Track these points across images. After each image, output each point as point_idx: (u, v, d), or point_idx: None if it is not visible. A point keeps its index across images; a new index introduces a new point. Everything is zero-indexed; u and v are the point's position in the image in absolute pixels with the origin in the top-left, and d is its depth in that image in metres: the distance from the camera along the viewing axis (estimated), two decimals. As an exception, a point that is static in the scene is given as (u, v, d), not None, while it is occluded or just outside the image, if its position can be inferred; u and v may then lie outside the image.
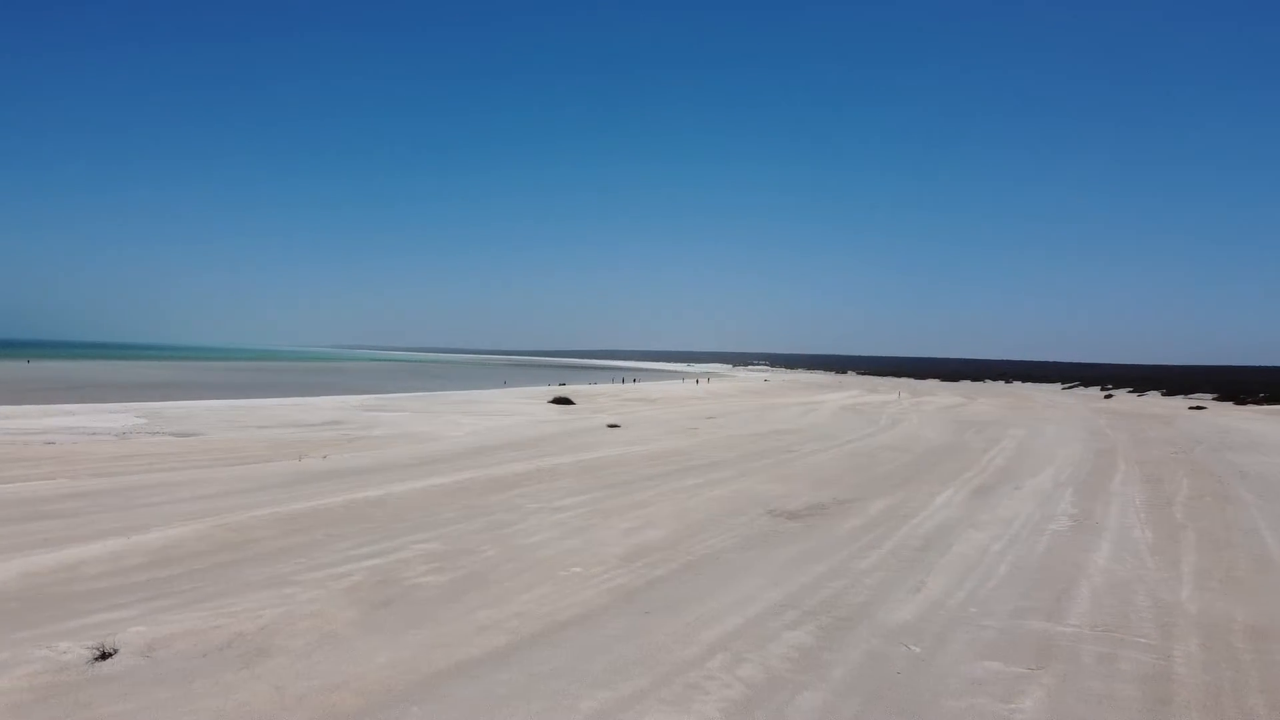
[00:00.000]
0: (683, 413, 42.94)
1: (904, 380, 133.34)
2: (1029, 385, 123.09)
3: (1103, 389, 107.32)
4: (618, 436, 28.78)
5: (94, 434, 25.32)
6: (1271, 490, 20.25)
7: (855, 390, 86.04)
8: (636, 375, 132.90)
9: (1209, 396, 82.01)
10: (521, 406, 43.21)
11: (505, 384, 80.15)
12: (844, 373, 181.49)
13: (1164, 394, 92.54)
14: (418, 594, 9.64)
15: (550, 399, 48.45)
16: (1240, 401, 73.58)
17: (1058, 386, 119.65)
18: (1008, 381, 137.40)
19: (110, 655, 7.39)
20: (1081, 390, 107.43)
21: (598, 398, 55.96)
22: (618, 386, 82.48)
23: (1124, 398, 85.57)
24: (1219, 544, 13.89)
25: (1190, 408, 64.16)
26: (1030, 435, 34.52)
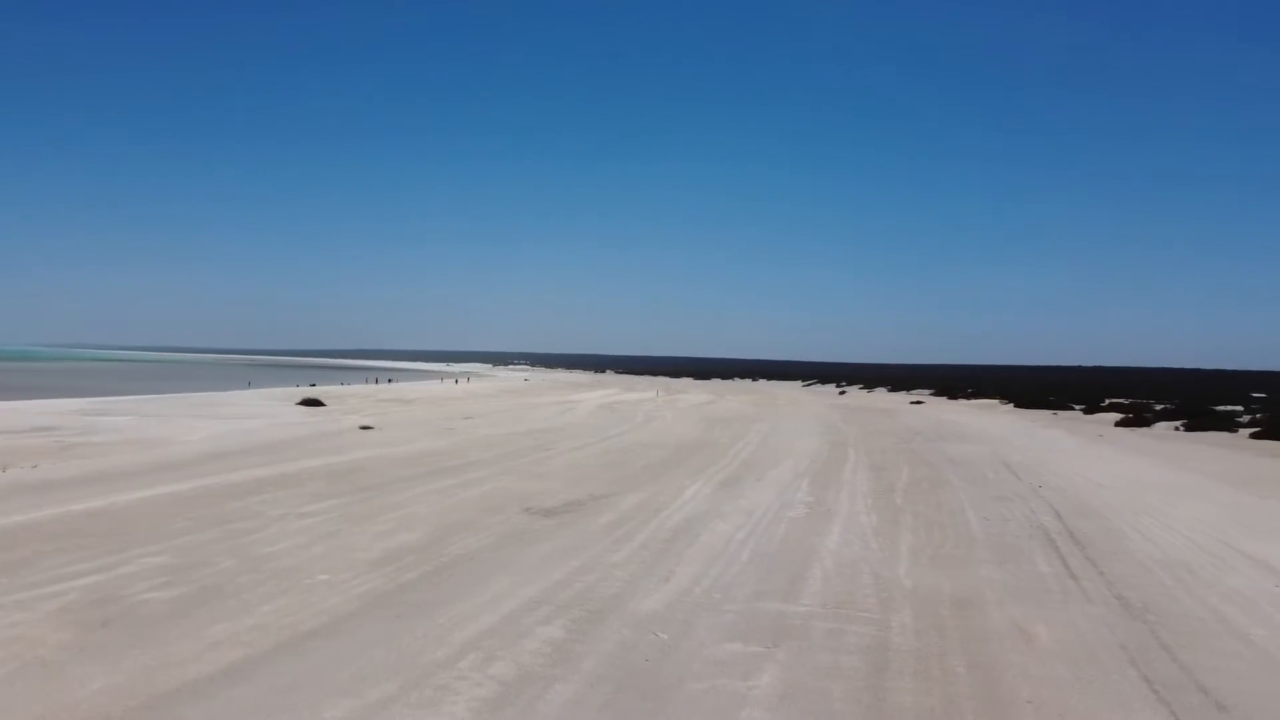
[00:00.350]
0: (440, 413, 42.22)
1: (659, 379, 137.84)
2: (774, 383, 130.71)
3: (838, 386, 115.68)
4: (371, 438, 27.88)
5: None
6: (975, 475, 22.63)
7: (613, 389, 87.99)
8: (393, 376, 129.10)
9: (927, 392, 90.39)
10: (266, 408, 40.87)
11: (250, 385, 75.44)
12: (602, 372, 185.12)
13: (890, 390, 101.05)
14: (142, 611, 8.91)
15: (298, 400, 46.12)
16: (953, 397, 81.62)
17: (799, 384, 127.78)
18: (755, 380, 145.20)
19: None
20: (820, 387, 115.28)
21: (350, 399, 53.91)
22: (372, 387, 79.80)
23: (856, 394, 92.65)
24: (931, 525, 15.35)
25: (911, 403, 70.49)
26: (772, 430, 36.67)
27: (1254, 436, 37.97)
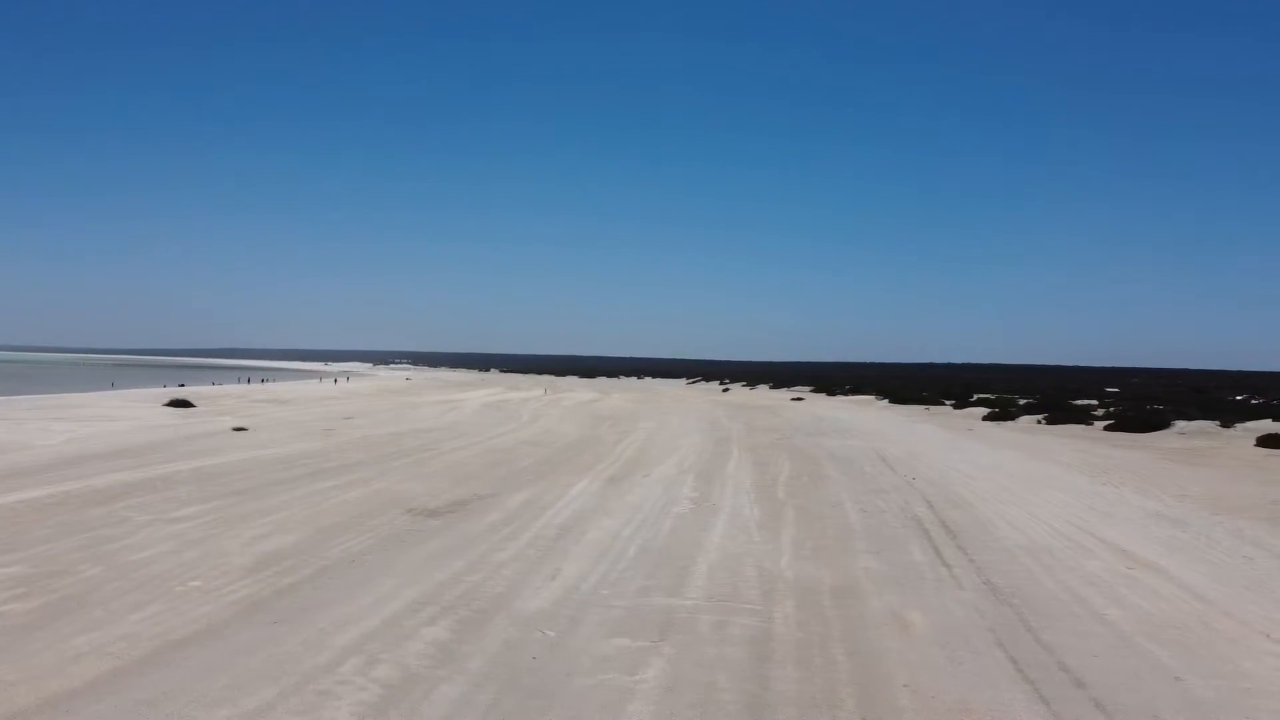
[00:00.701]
0: (318, 413, 41.04)
1: (545, 378, 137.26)
2: (659, 380, 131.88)
3: (721, 383, 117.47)
4: (245, 440, 26.88)
5: None
6: (852, 468, 23.33)
7: (498, 388, 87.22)
8: (267, 376, 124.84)
9: (807, 389, 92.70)
10: (131, 410, 38.93)
11: (113, 386, 71.75)
12: (487, 371, 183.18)
13: (772, 387, 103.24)
14: (-4, 625, 8.38)
15: (166, 401, 44.11)
16: (831, 393, 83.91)
17: (683, 381, 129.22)
18: (640, 378, 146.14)
19: None
20: (704, 385, 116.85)
21: (222, 399, 51.86)
22: (245, 387, 76.97)
23: (739, 391, 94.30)
24: (812, 517, 15.75)
25: (792, 399, 72.14)
26: (658, 427, 36.99)
27: (1107, 429, 40.31)
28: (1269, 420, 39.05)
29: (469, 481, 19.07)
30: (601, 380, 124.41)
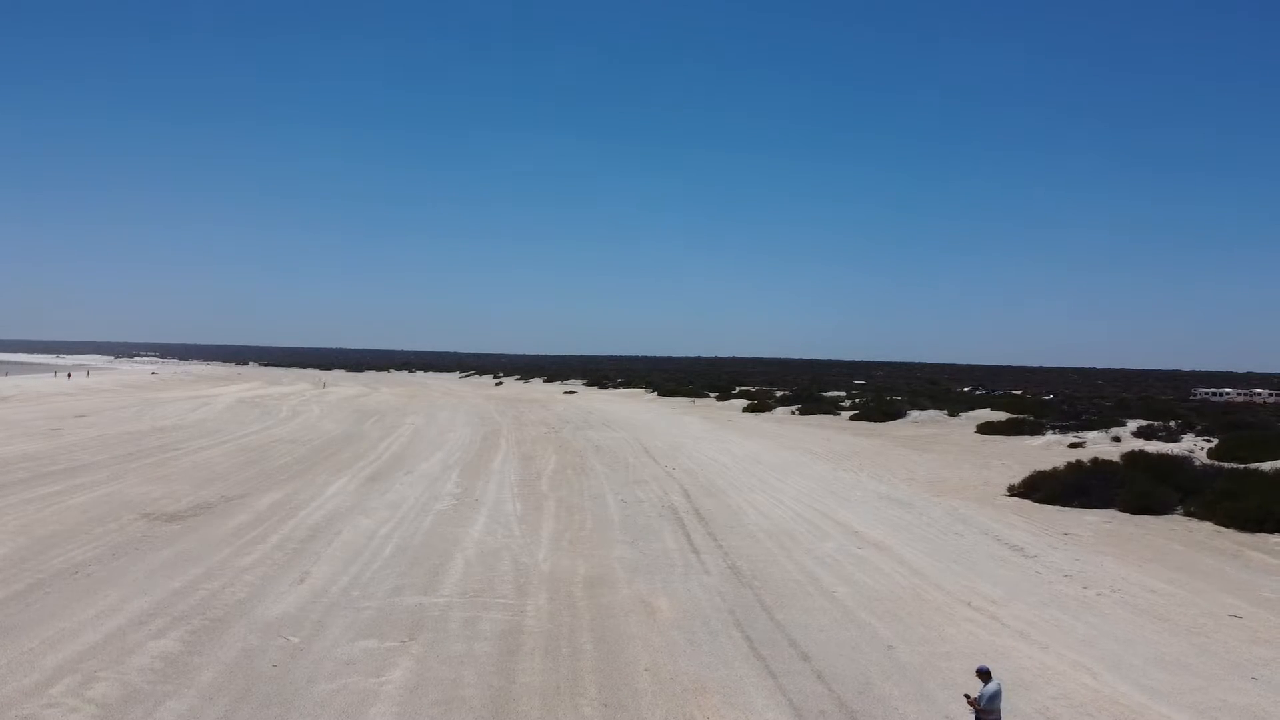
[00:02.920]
0: (43, 411, 37.30)
1: (310, 371, 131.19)
2: (430, 375, 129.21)
3: (495, 377, 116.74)
4: (-47, 442, 24.06)
5: None
6: (617, 460, 23.90)
7: (256, 382, 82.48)
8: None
9: (580, 382, 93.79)
10: None
11: None
12: (245, 364, 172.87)
13: (545, 380, 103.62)
14: None
15: None
16: (603, 386, 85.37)
17: (456, 375, 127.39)
18: (411, 371, 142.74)
19: None
20: (477, 378, 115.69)
21: (-72, 396, 46.10)
22: (-42, 383, 68.63)
23: (512, 384, 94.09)
24: (573, 509, 16.02)
25: (564, 393, 72.79)
26: (426, 422, 36.32)
27: (852, 419, 43.46)
28: (988, 410, 43.39)
29: (215, 482, 17.99)
30: (370, 374, 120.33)
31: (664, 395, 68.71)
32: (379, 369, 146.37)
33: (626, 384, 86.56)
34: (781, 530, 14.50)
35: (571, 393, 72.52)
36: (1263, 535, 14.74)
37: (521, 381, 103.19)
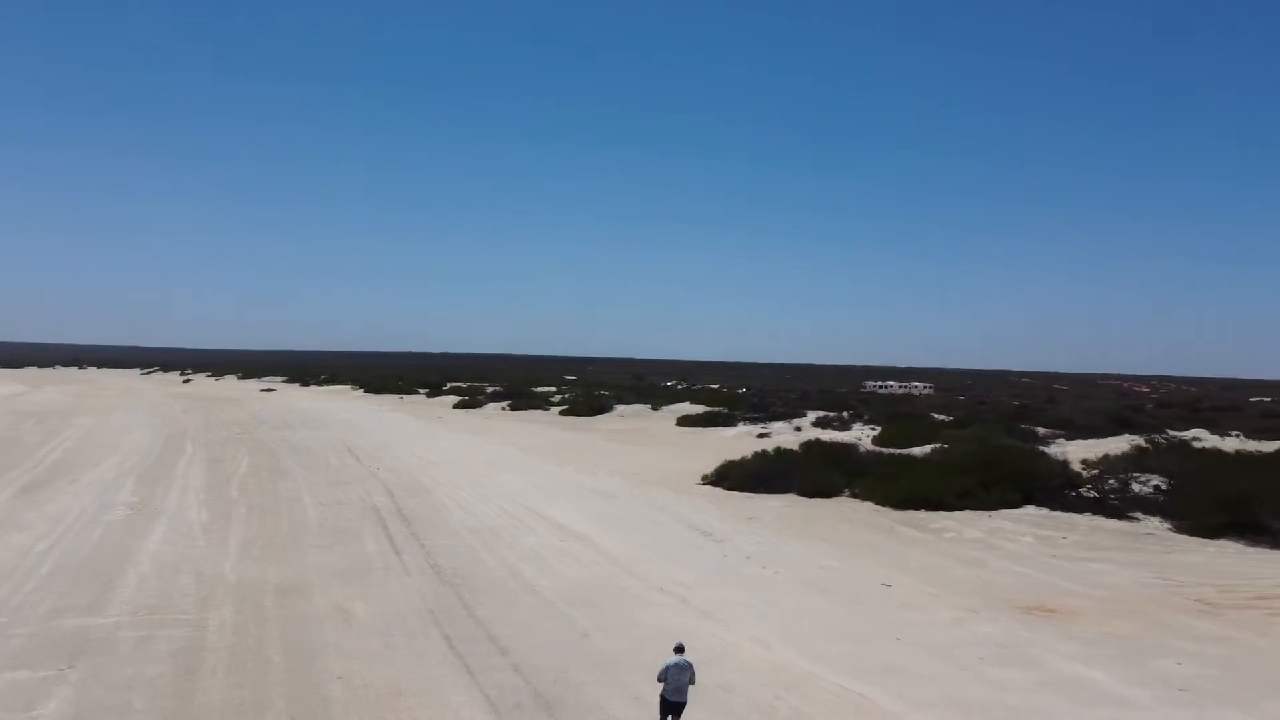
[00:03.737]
0: None
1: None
2: (106, 371, 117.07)
3: (182, 374, 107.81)
4: None
5: None
6: (317, 461, 22.88)
7: (-118, 381, 70.79)
8: None
9: (280, 379, 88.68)
10: None
11: None
12: None
13: (241, 377, 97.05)
14: None
15: None
16: (305, 383, 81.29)
17: (137, 372, 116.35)
18: (82, 367, 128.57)
19: None
20: (161, 375, 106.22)
21: None
22: None
23: (203, 381, 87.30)
24: (266, 514, 15.16)
25: (262, 390, 68.56)
26: (98, 424, 32.89)
27: (563, 414, 44.36)
28: (687, 404, 45.86)
29: None
30: (32, 371, 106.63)
31: (371, 392, 66.62)
32: (42, 365, 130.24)
33: (332, 381, 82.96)
34: (486, 527, 14.54)
35: (270, 390, 68.45)
36: (912, 512, 16.72)
37: (214, 379, 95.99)
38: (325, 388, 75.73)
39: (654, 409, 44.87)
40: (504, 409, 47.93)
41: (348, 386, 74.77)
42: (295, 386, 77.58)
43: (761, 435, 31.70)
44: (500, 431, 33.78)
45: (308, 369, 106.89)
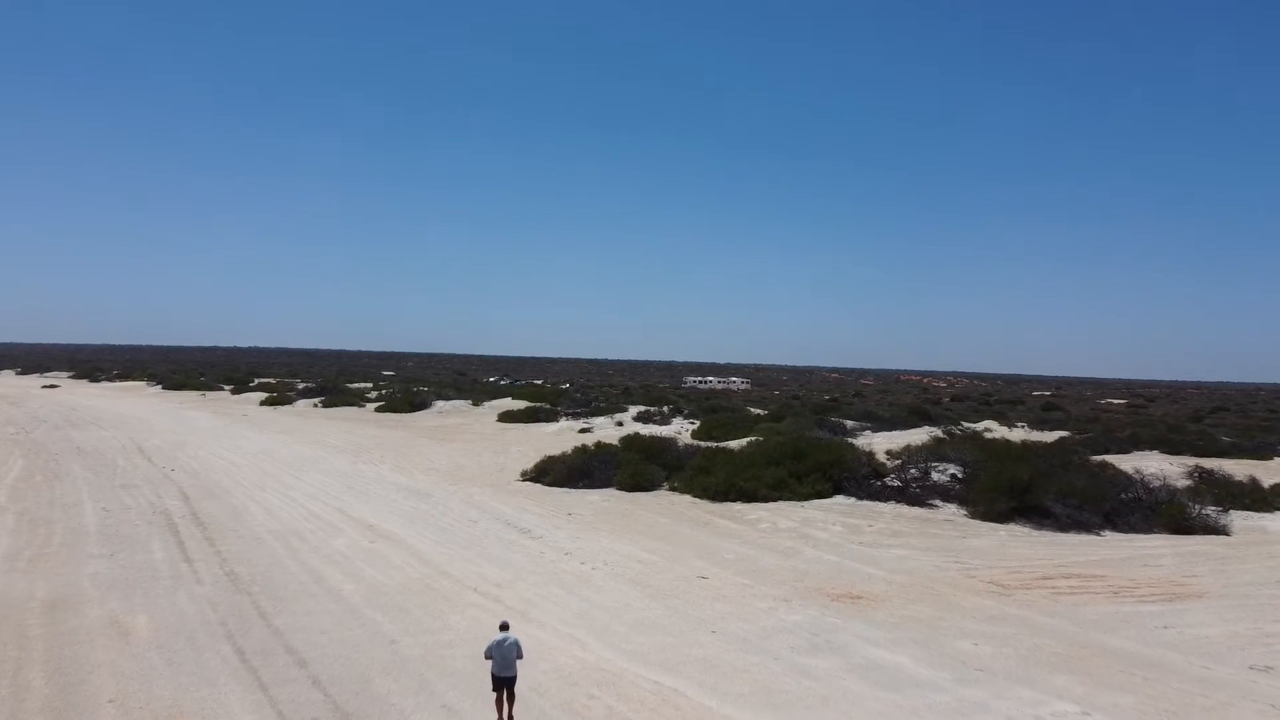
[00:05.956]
0: None
1: None
2: None
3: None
4: None
5: None
6: (103, 463, 21.07)
7: None
8: None
9: (66, 375, 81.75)
10: None
11: None
12: None
13: (19, 373, 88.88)
14: None
15: None
16: (95, 379, 75.25)
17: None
18: None
19: None
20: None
21: None
22: None
23: (-27, 378, 79.40)
24: (39, 522, 13.77)
25: (45, 386, 62.98)
26: None
27: (379, 410, 42.87)
28: (509, 399, 45.29)
29: None
30: None
31: (170, 389, 62.32)
32: None
33: (125, 376, 77.13)
34: (290, 530, 13.73)
35: (54, 386, 62.96)
36: (728, 504, 16.98)
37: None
38: (117, 384, 70.33)
39: (475, 405, 44.07)
40: (316, 406, 45.89)
41: (143, 382, 69.70)
42: (84, 382, 71.67)
43: (584, 430, 31.64)
44: (311, 429, 32.26)
45: (98, 364, 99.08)
